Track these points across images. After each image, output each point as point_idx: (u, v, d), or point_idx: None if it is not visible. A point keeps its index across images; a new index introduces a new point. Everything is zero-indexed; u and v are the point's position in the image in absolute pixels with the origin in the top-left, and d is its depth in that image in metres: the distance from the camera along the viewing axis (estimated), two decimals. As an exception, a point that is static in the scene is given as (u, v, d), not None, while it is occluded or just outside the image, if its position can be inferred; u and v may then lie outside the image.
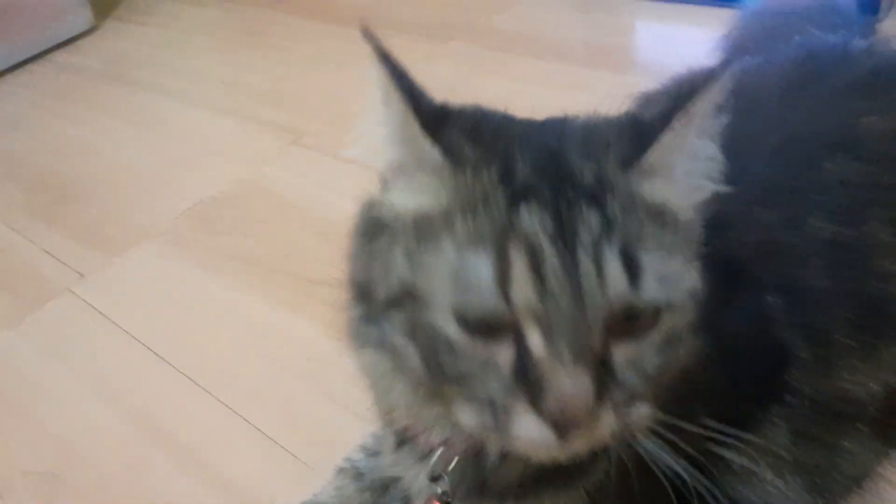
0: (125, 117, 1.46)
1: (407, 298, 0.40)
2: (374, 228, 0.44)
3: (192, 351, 0.88)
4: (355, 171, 0.43)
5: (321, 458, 0.71)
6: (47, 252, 1.10)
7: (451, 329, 0.38)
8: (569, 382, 0.36)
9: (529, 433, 0.37)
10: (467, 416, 0.39)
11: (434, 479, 0.51)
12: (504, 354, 0.38)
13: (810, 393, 0.56)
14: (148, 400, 0.83)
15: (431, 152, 0.41)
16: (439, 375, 0.40)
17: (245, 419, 0.78)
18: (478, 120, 0.44)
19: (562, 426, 0.36)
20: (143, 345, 0.90)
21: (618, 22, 1.50)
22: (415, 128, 0.41)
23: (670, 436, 0.42)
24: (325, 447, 0.72)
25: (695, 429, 0.43)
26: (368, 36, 0.41)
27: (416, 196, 0.42)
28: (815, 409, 0.56)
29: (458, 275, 0.37)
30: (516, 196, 0.38)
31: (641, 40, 1.50)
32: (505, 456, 0.47)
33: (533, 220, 0.37)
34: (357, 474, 0.68)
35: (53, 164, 1.34)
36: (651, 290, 0.37)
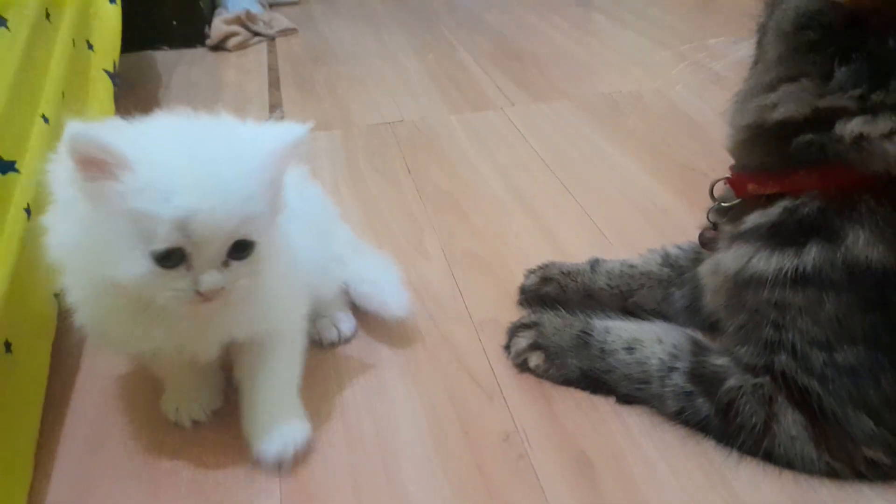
0: (577, 23, 1.97)
1: None
2: None
3: (572, 171, 1.20)
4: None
5: (625, 244, 0.98)
6: (495, 84, 1.59)
7: None
8: None
9: None
10: None
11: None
12: None
13: None
14: (525, 184, 1.18)
15: None
16: None
17: (580, 204, 1.11)
18: None
19: None
20: (537, 153, 1.27)
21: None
22: None
23: None
24: (630, 241, 0.98)
25: None
26: None
27: None
28: None
29: None
30: None
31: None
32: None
33: None
34: (665, 255, 0.82)
35: (517, 39, 1.88)
36: None
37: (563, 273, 0.84)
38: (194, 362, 0.66)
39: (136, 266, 0.52)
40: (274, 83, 1.64)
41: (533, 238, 1.02)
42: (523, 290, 0.86)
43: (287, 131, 0.57)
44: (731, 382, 0.64)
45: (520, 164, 1.23)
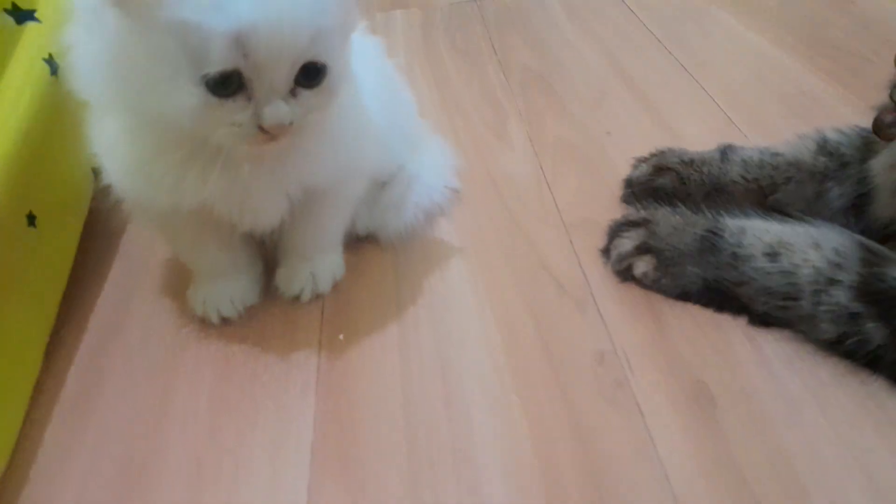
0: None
1: None
2: None
3: (692, 50, 1.01)
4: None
5: (760, 135, 0.79)
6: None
7: None
8: None
9: None
10: None
11: None
12: None
13: None
14: (634, 65, 0.99)
15: None
16: None
17: (703, 87, 0.91)
18: None
19: None
20: (649, 29, 1.08)
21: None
22: None
23: None
24: (767, 132, 0.79)
25: None
26: None
27: None
28: None
29: None
30: None
31: None
32: None
33: None
34: (821, 140, 0.65)
35: None
36: None
37: (683, 162, 0.67)
38: (253, 229, 0.56)
39: (184, 95, 0.41)
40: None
41: (642, 127, 0.84)
42: (630, 183, 0.69)
43: None
44: None
45: (628, 42, 1.04)
